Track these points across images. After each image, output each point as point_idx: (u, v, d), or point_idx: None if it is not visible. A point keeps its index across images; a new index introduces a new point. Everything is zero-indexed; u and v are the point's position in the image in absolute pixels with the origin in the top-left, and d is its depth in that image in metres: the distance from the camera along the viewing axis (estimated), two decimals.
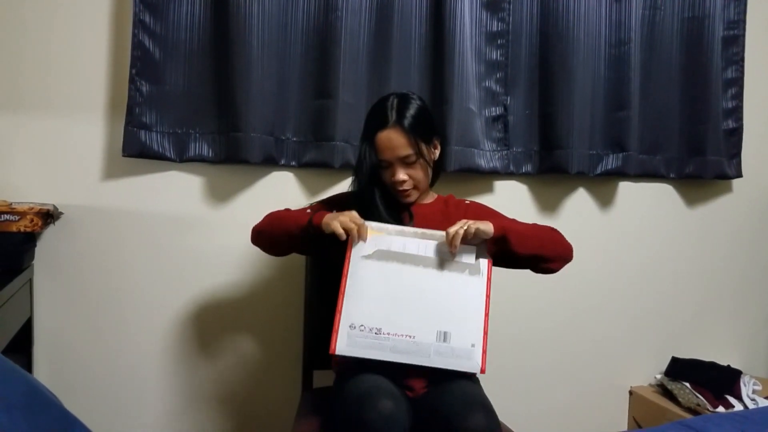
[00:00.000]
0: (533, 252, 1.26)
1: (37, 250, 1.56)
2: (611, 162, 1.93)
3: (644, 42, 1.96)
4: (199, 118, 1.62)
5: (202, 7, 1.60)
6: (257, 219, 1.35)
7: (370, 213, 1.28)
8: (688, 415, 1.83)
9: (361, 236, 1.19)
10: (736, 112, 2.09)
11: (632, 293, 2.08)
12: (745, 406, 1.88)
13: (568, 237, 1.34)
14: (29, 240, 1.47)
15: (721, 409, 1.85)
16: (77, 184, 1.60)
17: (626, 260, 2.06)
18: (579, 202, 1.99)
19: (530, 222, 1.37)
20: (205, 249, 1.69)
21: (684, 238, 2.14)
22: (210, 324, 1.71)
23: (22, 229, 1.39)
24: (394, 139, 1.25)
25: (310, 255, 1.55)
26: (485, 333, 1.17)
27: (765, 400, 1.93)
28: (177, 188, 1.66)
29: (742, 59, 2.08)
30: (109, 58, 1.61)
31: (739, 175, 2.11)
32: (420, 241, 1.22)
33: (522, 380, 1.96)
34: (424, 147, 1.28)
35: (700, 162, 2.04)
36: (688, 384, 1.96)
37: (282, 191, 1.72)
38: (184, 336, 1.70)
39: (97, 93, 1.60)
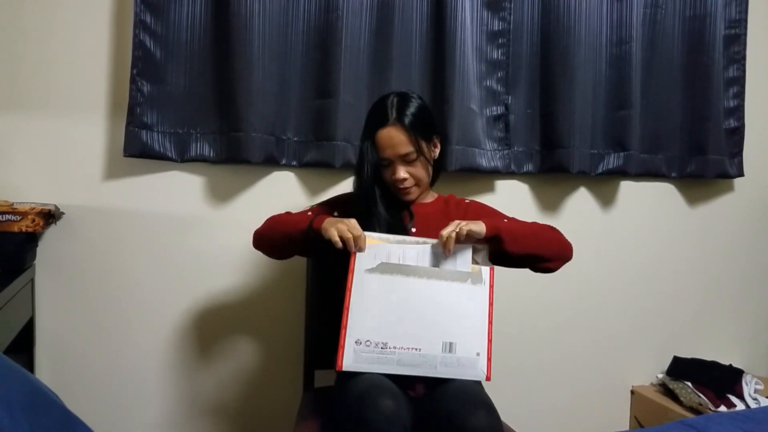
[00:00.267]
0: (528, 252, 1.25)
1: (38, 250, 1.57)
2: (612, 161, 1.92)
3: (645, 41, 1.96)
4: (200, 118, 1.62)
5: (203, 7, 1.60)
6: (258, 219, 1.35)
7: (370, 213, 1.29)
8: (689, 415, 1.83)
9: (358, 246, 1.18)
10: (738, 111, 2.09)
11: (634, 292, 2.08)
12: (747, 406, 1.88)
13: (569, 236, 1.34)
14: (31, 240, 1.47)
15: (722, 408, 1.85)
16: (78, 184, 1.60)
17: (628, 259, 2.06)
18: (580, 201, 1.99)
19: (531, 221, 1.37)
20: (207, 249, 1.69)
21: (685, 238, 2.13)
22: (211, 324, 1.71)
23: (23, 229, 1.40)
24: (394, 137, 1.25)
25: (311, 258, 1.55)
26: (489, 341, 1.18)
27: (767, 400, 1.93)
28: (178, 188, 1.66)
29: (744, 58, 2.08)
30: (110, 58, 1.61)
31: (741, 174, 2.11)
32: (418, 247, 1.22)
33: (523, 380, 1.96)
34: (424, 145, 1.28)
35: (702, 161, 2.04)
36: (689, 383, 1.95)
37: (283, 191, 1.72)
38: (186, 336, 1.70)
39: (98, 93, 1.61)
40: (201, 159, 1.62)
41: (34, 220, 1.40)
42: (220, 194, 1.69)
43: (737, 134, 2.10)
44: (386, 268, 1.20)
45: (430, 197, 1.43)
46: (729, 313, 2.22)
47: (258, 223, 1.35)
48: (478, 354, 1.16)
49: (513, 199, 1.91)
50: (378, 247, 1.20)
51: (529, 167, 1.89)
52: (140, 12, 1.54)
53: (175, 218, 1.66)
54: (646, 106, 1.97)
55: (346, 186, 1.70)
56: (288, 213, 1.37)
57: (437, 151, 1.37)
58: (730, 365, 2.04)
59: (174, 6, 1.57)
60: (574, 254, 1.34)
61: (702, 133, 2.02)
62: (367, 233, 1.20)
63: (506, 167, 1.85)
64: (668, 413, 1.90)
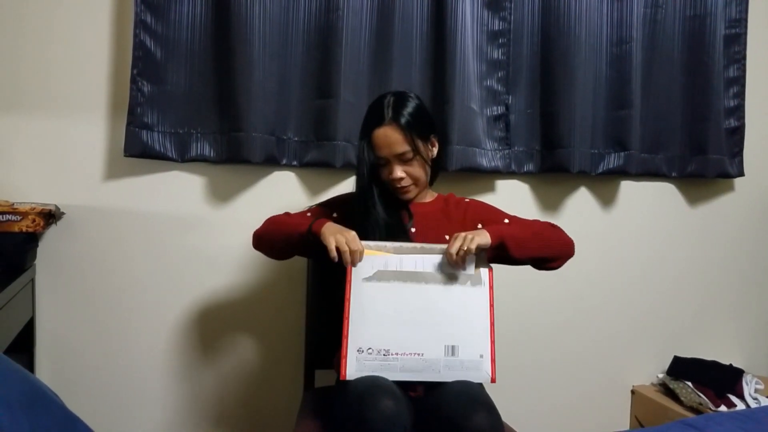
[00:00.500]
0: (533, 255, 1.26)
1: (38, 250, 1.57)
2: (613, 161, 1.92)
3: (646, 40, 1.96)
4: (201, 118, 1.62)
5: (203, 6, 1.60)
6: (259, 219, 1.35)
7: (369, 212, 1.29)
8: (690, 415, 1.82)
9: (353, 261, 1.17)
10: (738, 111, 2.09)
11: (634, 292, 2.08)
12: (748, 405, 1.88)
13: (570, 236, 1.34)
14: (31, 240, 1.48)
15: (723, 408, 1.85)
16: (79, 185, 1.60)
17: (628, 259, 2.06)
18: (581, 201, 1.99)
19: (531, 219, 1.37)
20: (207, 249, 1.69)
21: (686, 237, 2.13)
22: (212, 324, 1.71)
23: (24, 229, 1.40)
24: (389, 136, 1.25)
25: (311, 258, 1.55)
26: (492, 342, 1.17)
27: (767, 399, 1.93)
28: (178, 188, 1.66)
29: (744, 58, 2.08)
30: (111, 58, 1.61)
31: (741, 173, 2.11)
32: (418, 257, 1.21)
33: (524, 379, 1.96)
34: (420, 144, 1.28)
35: (702, 161, 2.03)
36: (690, 383, 1.95)
37: (283, 191, 1.72)
38: (186, 336, 1.70)
39: (99, 93, 1.61)
40: (201, 159, 1.62)
41: (34, 220, 1.40)
42: (221, 194, 1.69)
43: (737, 134, 2.09)
44: (383, 276, 1.19)
45: (429, 197, 1.43)
46: (729, 312, 2.22)
47: (258, 223, 1.35)
48: (481, 356, 1.16)
49: (513, 198, 1.91)
50: (374, 259, 1.20)
51: (529, 167, 1.89)
52: (140, 12, 1.54)
53: (175, 218, 1.66)
54: (647, 106, 1.97)
55: (346, 186, 1.70)
56: (287, 214, 1.37)
57: (435, 150, 1.37)
58: (731, 365, 2.04)
59: (174, 6, 1.57)
60: (574, 255, 1.34)
61: (702, 133, 2.02)
62: (364, 243, 1.19)
63: (507, 167, 1.85)
64: (668, 413, 1.90)
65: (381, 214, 1.30)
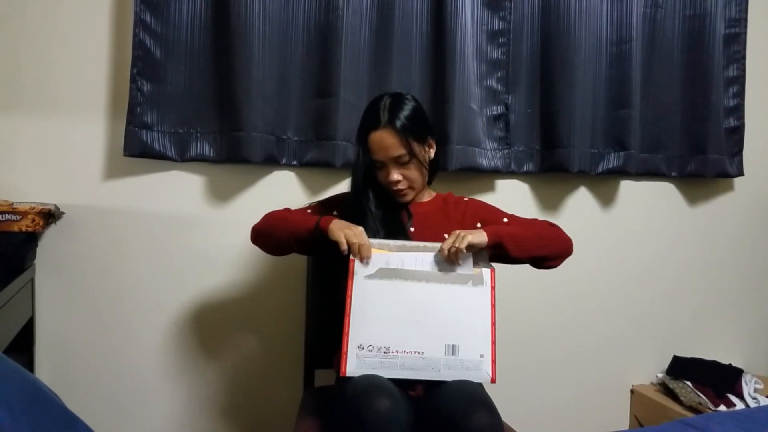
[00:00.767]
0: (532, 254, 1.26)
1: (38, 249, 1.57)
2: (612, 161, 1.92)
3: (645, 40, 1.96)
4: (201, 117, 1.62)
5: (203, 6, 1.60)
6: (259, 218, 1.35)
7: (364, 214, 1.29)
8: (689, 414, 1.83)
9: (363, 255, 1.18)
10: (738, 111, 2.09)
11: (634, 292, 2.08)
12: (747, 405, 1.88)
13: (570, 236, 1.34)
14: (30, 240, 1.47)
15: (722, 407, 1.85)
16: (78, 184, 1.60)
17: (628, 259, 2.06)
18: (580, 200, 1.99)
19: (531, 218, 1.37)
20: (207, 248, 1.69)
21: (686, 237, 2.13)
22: (212, 324, 1.71)
23: (23, 228, 1.39)
24: (385, 139, 1.25)
25: (310, 255, 1.55)
26: (493, 342, 1.18)
27: (767, 399, 1.93)
28: (178, 188, 1.66)
29: (744, 57, 2.08)
30: (110, 57, 1.61)
31: (741, 173, 2.11)
32: (418, 255, 1.22)
33: (523, 379, 1.96)
34: (417, 147, 1.28)
35: (702, 160, 2.04)
36: (689, 383, 1.96)
37: (283, 191, 1.72)
38: (186, 335, 1.70)
39: (98, 93, 1.60)
40: (201, 158, 1.62)
41: (34, 220, 1.40)
42: (221, 194, 1.69)
43: (737, 133, 2.10)
44: (385, 273, 1.20)
45: (427, 196, 1.43)
46: (729, 312, 2.22)
47: None
48: (481, 356, 1.17)
49: (513, 198, 1.91)
50: (376, 257, 1.20)
51: (529, 167, 1.89)
52: (140, 11, 1.54)
53: (175, 218, 1.66)
54: (646, 106, 1.97)
55: (346, 185, 1.70)
56: (287, 209, 1.37)
57: (432, 152, 1.36)
58: (730, 364, 2.04)
59: (174, 5, 1.57)
60: (573, 255, 1.34)
61: (702, 133, 2.02)
62: (370, 240, 1.20)
63: (506, 167, 1.85)
64: (668, 412, 1.90)
65: (378, 214, 1.30)
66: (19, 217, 1.39)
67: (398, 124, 1.25)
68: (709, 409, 1.84)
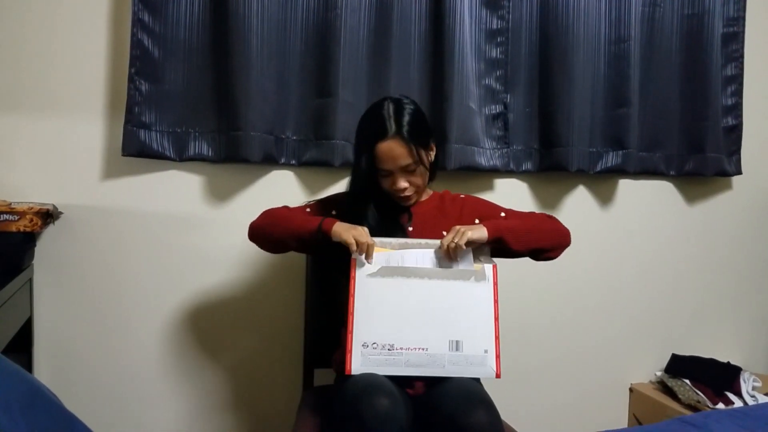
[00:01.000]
0: (531, 246, 1.27)
1: (36, 249, 1.56)
2: (611, 159, 1.93)
3: (644, 39, 1.96)
4: (199, 117, 1.61)
5: (201, 5, 1.59)
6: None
7: (363, 218, 1.28)
8: (688, 412, 1.83)
9: (369, 254, 1.19)
10: (736, 109, 2.09)
11: (632, 290, 2.08)
12: (745, 403, 1.89)
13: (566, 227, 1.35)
14: (29, 240, 1.47)
15: (720, 405, 1.85)
16: (77, 184, 1.60)
17: (626, 258, 2.07)
18: (579, 199, 1.99)
19: (528, 211, 1.38)
20: (206, 248, 1.68)
21: (684, 236, 2.14)
22: (211, 323, 1.71)
23: (21, 228, 1.39)
24: (394, 150, 1.23)
25: (310, 254, 1.55)
26: (497, 338, 1.18)
27: (765, 397, 1.94)
28: (177, 187, 1.66)
29: (742, 56, 2.08)
30: (108, 57, 1.60)
31: (739, 172, 2.11)
32: (418, 252, 1.22)
33: (522, 377, 1.97)
34: (423, 153, 1.28)
35: (700, 159, 2.04)
36: (688, 381, 1.96)
37: (282, 190, 1.72)
38: (185, 335, 1.69)
39: (97, 92, 1.60)
40: (200, 158, 1.62)
41: (32, 220, 1.40)
42: (219, 193, 1.69)
43: (735, 132, 2.10)
44: (387, 271, 1.20)
45: (425, 195, 1.42)
46: (727, 310, 2.23)
47: None
48: (486, 351, 1.17)
49: (512, 197, 1.91)
50: (378, 255, 1.21)
51: (527, 166, 1.89)
52: (138, 11, 1.54)
53: (173, 217, 1.66)
54: (645, 105, 1.97)
55: (345, 185, 1.69)
56: (286, 207, 1.36)
57: (432, 154, 1.36)
58: (728, 363, 2.04)
59: (172, 5, 1.57)
60: (572, 253, 1.35)
61: (700, 131, 2.03)
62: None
63: (505, 166, 1.85)
64: (666, 411, 1.90)
65: (377, 216, 1.30)
66: (17, 217, 1.39)
67: (406, 133, 1.23)
68: (708, 407, 1.84)
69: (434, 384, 1.19)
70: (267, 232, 1.30)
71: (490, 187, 1.90)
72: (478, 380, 1.27)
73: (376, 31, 1.71)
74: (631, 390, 2.10)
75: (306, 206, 1.39)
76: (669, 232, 2.11)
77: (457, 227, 1.20)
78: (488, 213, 1.38)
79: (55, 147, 1.58)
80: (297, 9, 1.66)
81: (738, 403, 1.88)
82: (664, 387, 2.02)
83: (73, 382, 1.62)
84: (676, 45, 2.00)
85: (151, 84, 1.56)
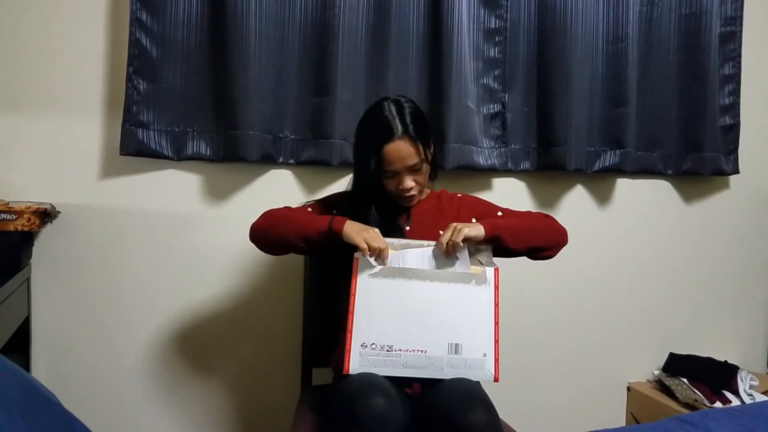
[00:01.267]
0: (529, 245, 1.27)
1: (34, 249, 1.56)
2: (609, 159, 1.93)
3: (642, 38, 1.96)
4: (197, 116, 1.61)
5: (199, 4, 1.59)
6: (256, 217, 1.34)
7: (365, 221, 1.27)
8: (685, 411, 1.83)
9: (383, 258, 1.18)
10: (734, 109, 2.10)
11: (630, 290, 2.09)
12: (742, 402, 1.89)
13: (563, 225, 1.35)
14: (27, 239, 1.47)
15: (718, 404, 1.86)
16: (75, 183, 1.59)
17: (624, 257, 2.07)
18: (577, 198, 2.00)
19: (525, 210, 1.38)
20: (204, 247, 1.68)
21: (682, 235, 2.14)
22: (208, 323, 1.71)
23: (19, 228, 1.39)
24: (402, 150, 1.22)
25: (313, 256, 1.54)
26: (496, 342, 1.19)
27: (762, 396, 1.94)
28: (175, 187, 1.66)
29: (740, 55, 2.08)
30: (106, 56, 1.60)
31: (737, 171, 2.12)
32: (418, 251, 1.22)
33: (520, 376, 1.97)
34: (427, 151, 1.28)
35: (698, 158, 2.04)
36: (685, 380, 1.96)
37: (280, 189, 1.72)
38: (183, 335, 1.69)
39: (94, 91, 1.60)
40: (198, 157, 1.62)
41: (30, 219, 1.40)
42: (217, 193, 1.69)
43: (733, 131, 2.10)
44: (389, 272, 1.20)
45: (422, 194, 1.43)
46: (724, 309, 2.23)
47: None
48: (484, 355, 1.18)
49: (510, 196, 1.91)
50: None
51: (526, 165, 1.89)
52: (136, 10, 1.54)
53: (171, 217, 1.66)
54: (642, 104, 1.98)
55: (343, 184, 1.70)
56: (288, 208, 1.35)
57: (432, 150, 1.37)
58: (726, 361, 2.05)
59: (170, 4, 1.56)
60: (570, 253, 1.35)
61: (698, 131, 2.03)
62: None
63: (503, 165, 1.85)
64: (664, 409, 1.91)
65: (376, 215, 1.30)
66: (15, 217, 1.38)
67: (413, 132, 1.23)
68: (705, 405, 1.84)
69: (432, 383, 1.19)
70: (271, 233, 1.27)
71: (488, 186, 1.90)
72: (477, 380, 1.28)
73: (375, 30, 1.71)
74: (628, 389, 2.10)
75: (307, 206, 1.39)
76: (667, 232, 2.12)
77: (454, 224, 1.20)
78: (485, 212, 1.38)
79: (53, 146, 1.58)
80: (295, 8, 1.65)
81: (735, 402, 1.89)
82: (661, 386, 2.03)
83: (71, 381, 1.62)
84: (673, 44, 2.00)
85: (149, 83, 1.56)
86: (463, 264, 1.22)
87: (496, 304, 1.20)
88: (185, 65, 1.59)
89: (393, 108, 1.25)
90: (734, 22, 2.07)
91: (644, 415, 2.02)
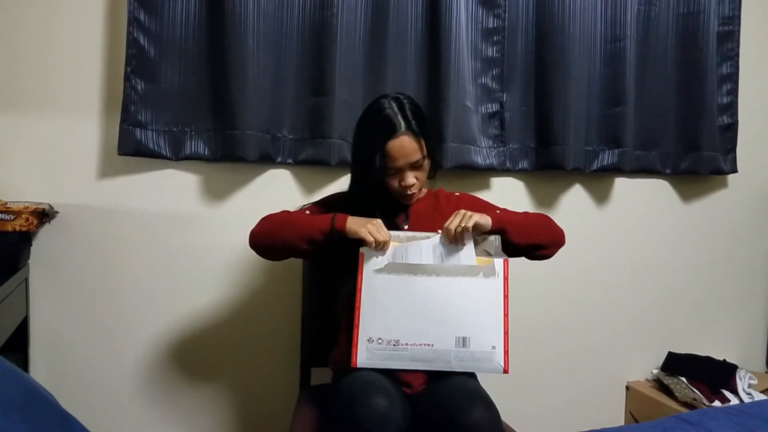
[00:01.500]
0: (531, 241, 1.27)
1: (32, 249, 1.56)
2: (607, 158, 1.93)
3: (639, 38, 1.96)
4: (195, 115, 1.61)
5: (197, 4, 1.59)
6: (254, 217, 1.33)
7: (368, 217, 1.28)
8: (684, 410, 1.84)
9: (386, 248, 1.19)
10: (731, 108, 2.10)
11: (629, 289, 2.09)
12: (741, 401, 1.89)
13: (564, 233, 1.35)
14: (25, 239, 1.47)
15: (717, 403, 1.86)
16: (73, 183, 1.59)
17: (622, 256, 2.07)
18: (575, 198, 2.00)
19: (522, 211, 1.38)
20: (202, 247, 1.68)
21: (680, 234, 2.14)
22: (207, 322, 1.71)
23: (17, 228, 1.39)
24: (406, 146, 1.22)
25: (316, 258, 1.53)
26: (506, 333, 1.18)
27: (761, 395, 1.95)
28: (173, 186, 1.65)
29: (737, 55, 2.09)
30: (104, 56, 1.60)
31: (735, 170, 2.12)
32: (422, 243, 1.21)
33: (520, 376, 1.96)
34: (428, 147, 1.28)
35: (696, 158, 2.04)
36: (684, 379, 1.97)
37: (278, 189, 1.72)
38: (181, 334, 1.69)
39: (93, 91, 1.60)
40: (196, 157, 1.62)
41: (28, 219, 1.39)
42: (216, 192, 1.69)
43: (731, 131, 2.10)
44: (394, 268, 1.20)
45: (420, 193, 1.42)
46: (723, 308, 2.24)
47: (254, 220, 1.33)
48: (493, 347, 1.17)
49: (508, 196, 1.91)
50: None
51: (524, 164, 1.89)
52: (134, 9, 1.53)
53: (170, 217, 1.66)
54: (641, 103, 1.98)
55: (342, 183, 1.70)
56: (286, 211, 1.35)
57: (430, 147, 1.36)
58: (724, 360, 2.05)
59: (168, 3, 1.56)
60: (568, 252, 1.35)
61: (696, 130, 2.03)
62: None
63: (501, 164, 1.85)
64: (663, 408, 1.91)
65: (377, 214, 1.29)
66: (13, 217, 1.38)
67: (416, 127, 1.23)
68: (704, 404, 1.85)
69: (432, 382, 1.19)
70: (272, 237, 1.25)
71: (486, 185, 1.91)
72: (475, 378, 1.28)
73: (373, 29, 1.71)
74: (627, 388, 2.10)
75: (305, 209, 1.38)
76: (665, 231, 2.12)
77: (462, 211, 1.19)
78: (484, 211, 1.37)
79: (51, 146, 1.58)
80: (293, 7, 1.65)
81: (734, 401, 1.89)
82: (660, 385, 2.03)
83: (69, 381, 1.62)
84: (671, 43, 2.01)
85: (147, 83, 1.56)
86: (468, 253, 1.20)
87: (506, 296, 1.19)
88: (183, 65, 1.59)
89: (394, 105, 1.25)
90: (732, 21, 2.07)
91: (643, 415, 2.02)
